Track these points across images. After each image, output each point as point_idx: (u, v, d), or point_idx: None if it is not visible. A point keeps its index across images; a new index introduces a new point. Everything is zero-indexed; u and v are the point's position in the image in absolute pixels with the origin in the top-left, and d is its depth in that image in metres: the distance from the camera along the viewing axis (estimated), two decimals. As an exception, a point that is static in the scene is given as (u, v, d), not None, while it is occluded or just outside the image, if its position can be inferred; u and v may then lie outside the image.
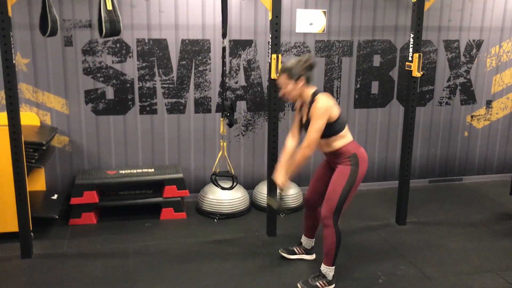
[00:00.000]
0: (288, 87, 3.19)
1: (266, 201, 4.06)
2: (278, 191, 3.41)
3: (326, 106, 3.08)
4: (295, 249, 3.72)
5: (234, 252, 3.82)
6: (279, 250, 3.73)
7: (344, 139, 3.20)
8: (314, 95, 3.17)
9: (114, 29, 3.52)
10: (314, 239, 3.70)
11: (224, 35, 3.72)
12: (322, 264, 3.31)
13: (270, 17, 3.73)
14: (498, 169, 5.65)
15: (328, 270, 3.29)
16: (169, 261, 3.66)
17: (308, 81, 3.20)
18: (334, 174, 3.22)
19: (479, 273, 3.53)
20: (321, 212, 3.23)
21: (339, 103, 4.99)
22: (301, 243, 3.73)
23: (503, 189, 5.23)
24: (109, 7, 3.47)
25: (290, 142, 3.35)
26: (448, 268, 3.60)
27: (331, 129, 3.15)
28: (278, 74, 3.24)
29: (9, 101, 3.43)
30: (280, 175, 3.24)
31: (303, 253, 3.71)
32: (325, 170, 3.38)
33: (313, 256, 3.71)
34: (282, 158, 3.31)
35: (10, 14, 3.31)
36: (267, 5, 3.72)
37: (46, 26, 3.49)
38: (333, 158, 3.27)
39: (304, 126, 3.29)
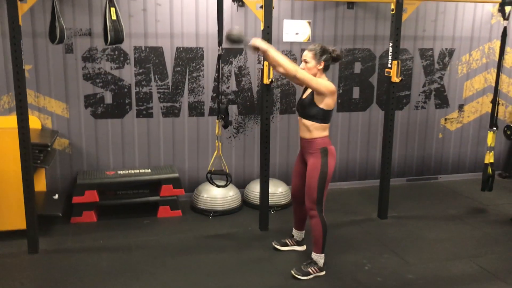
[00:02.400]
0: (309, 64, 3.50)
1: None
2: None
3: (330, 88, 3.40)
4: (287, 241, 4.02)
5: (230, 245, 4.09)
6: (272, 242, 4.02)
7: (323, 131, 3.53)
8: None
9: (118, 38, 3.78)
10: (303, 231, 4.00)
11: (220, 43, 4.01)
12: (313, 252, 3.62)
13: (262, 27, 4.04)
14: (470, 168, 6.07)
15: (318, 257, 3.60)
16: (170, 253, 3.91)
17: (326, 69, 3.54)
18: (307, 169, 3.55)
19: (455, 259, 3.89)
20: (306, 205, 3.54)
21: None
22: (292, 236, 4.03)
23: (475, 186, 5.63)
24: (114, 17, 3.73)
25: None
26: (427, 255, 3.95)
27: (321, 115, 3.46)
28: (308, 49, 3.55)
29: (19, 105, 3.64)
30: (261, 42, 3.39)
31: (294, 245, 4.01)
32: (301, 166, 3.71)
33: (304, 247, 4.01)
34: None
35: (20, 23, 3.54)
36: (260, 16, 4.03)
37: (55, 34, 3.73)
38: (307, 147, 3.57)
39: (300, 102, 3.61)
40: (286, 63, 3.36)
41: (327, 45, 3.60)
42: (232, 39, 3.45)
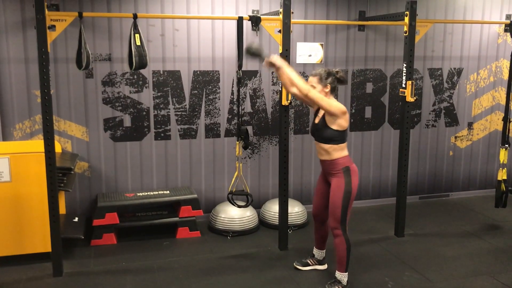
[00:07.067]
0: (315, 89, 3.56)
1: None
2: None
3: (341, 108, 3.48)
4: (309, 261, 4.05)
5: (252, 265, 4.13)
6: (294, 263, 4.06)
7: (342, 151, 3.60)
8: None
9: (142, 62, 3.88)
10: (324, 250, 4.05)
11: (240, 66, 4.10)
12: (336, 271, 3.66)
13: (280, 51, 4.15)
14: (480, 185, 6.14)
15: (342, 276, 3.64)
16: (194, 275, 3.94)
17: (333, 91, 3.61)
18: (331, 189, 3.61)
19: (476, 276, 3.93)
20: (329, 224, 3.60)
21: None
22: (313, 255, 4.07)
23: (486, 203, 5.71)
24: (138, 42, 3.83)
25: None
26: (447, 272, 3.99)
27: (337, 136, 3.54)
28: (312, 74, 3.64)
29: (46, 129, 3.71)
30: (278, 58, 3.64)
31: (316, 264, 4.04)
32: (323, 185, 3.77)
33: (325, 266, 4.05)
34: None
35: (49, 50, 3.64)
36: (278, 40, 4.14)
37: (81, 60, 3.82)
38: (328, 168, 3.64)
39: (313, 127, 3.68)
40: (299, 82, 3.51)
41: (336, 66, 3.69)
42: (251, 52, 3.69)
